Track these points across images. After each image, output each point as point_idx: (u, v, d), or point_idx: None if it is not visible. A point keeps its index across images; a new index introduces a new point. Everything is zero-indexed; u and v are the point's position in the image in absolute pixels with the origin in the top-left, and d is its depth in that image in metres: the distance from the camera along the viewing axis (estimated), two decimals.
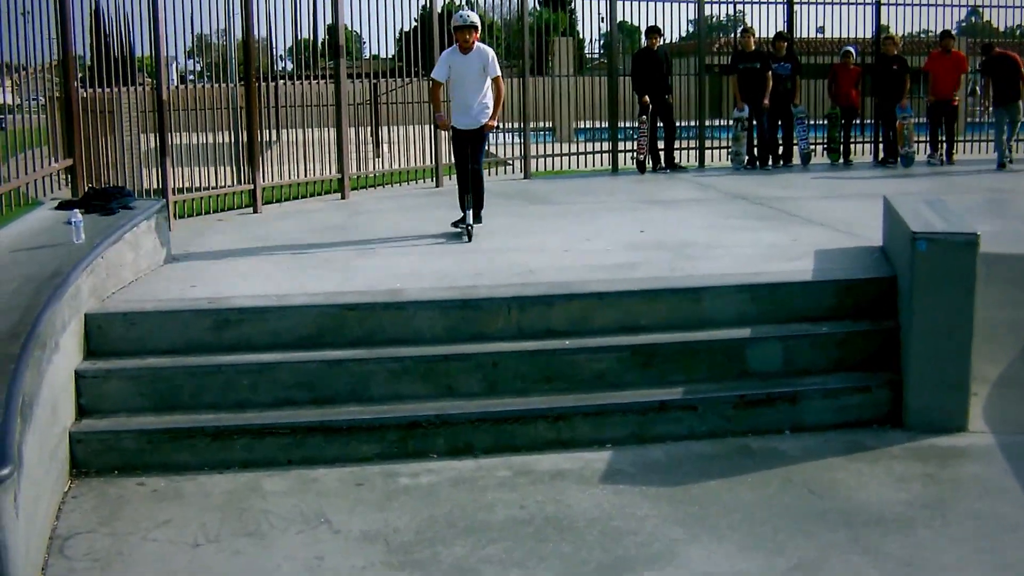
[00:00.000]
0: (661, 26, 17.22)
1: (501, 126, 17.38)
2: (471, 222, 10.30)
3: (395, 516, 5.91)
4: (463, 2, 18.03)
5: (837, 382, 7.35)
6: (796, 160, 17.45)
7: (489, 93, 10.29)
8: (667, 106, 16.86)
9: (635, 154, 17.03)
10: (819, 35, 20.57)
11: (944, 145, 17.53)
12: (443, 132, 15.34)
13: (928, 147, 17.70)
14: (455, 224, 10.52)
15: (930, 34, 19.64)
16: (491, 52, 10.31)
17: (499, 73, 10.30)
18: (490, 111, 10.34)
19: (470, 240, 9.99)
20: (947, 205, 8.58)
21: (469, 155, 10.49)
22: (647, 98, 16.57)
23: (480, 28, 10.28)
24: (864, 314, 7.77)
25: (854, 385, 7.34)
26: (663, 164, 16.99)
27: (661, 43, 16.96)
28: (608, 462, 6.64)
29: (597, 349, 7.31)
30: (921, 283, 7.23)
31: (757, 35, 17.92)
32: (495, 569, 5.29)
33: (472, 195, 10.44)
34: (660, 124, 16.92)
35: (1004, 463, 6.69)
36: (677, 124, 17.39)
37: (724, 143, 18.15)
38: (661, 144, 17.04)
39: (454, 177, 15.46)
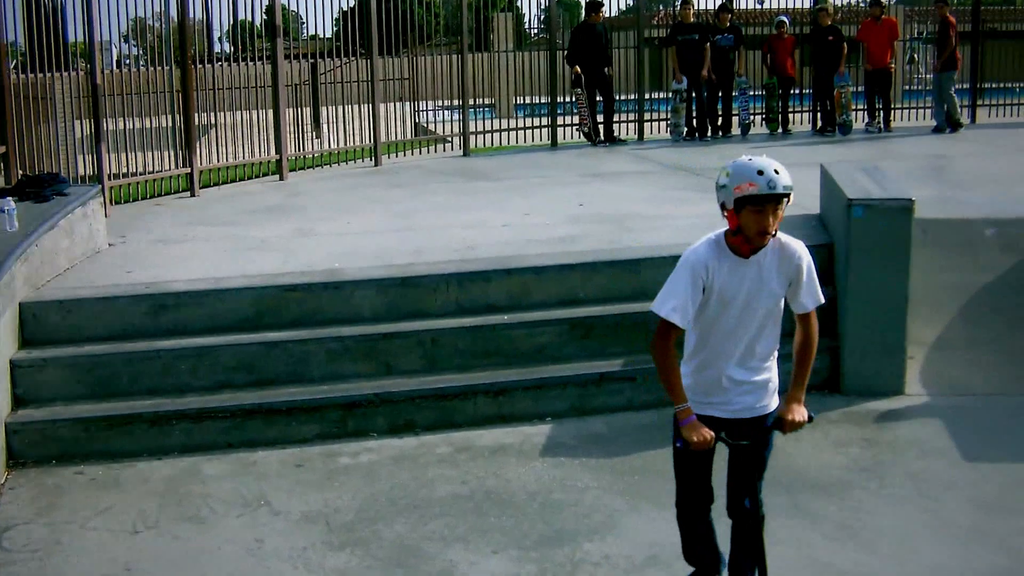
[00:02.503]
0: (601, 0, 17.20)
1: (442, 103, 17.27)
2: None
3: (336, 496, 5.91)
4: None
5: None
6: (735, 131, 17.53)
7: (776, 341, 4.51)
8: (607, 79, 16.87)
9: (580, 127, 17.05)
10: (758, 7, 20.61)
11: (881, 113, 17.68)
12: (385, 113, 15.34)
13: (865, 115, 17.84)
14: None
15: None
16: (806, 252, 4.26)
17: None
18: (775, 380, 4.58)
19: None
20: (883, 172, 8.66)
21: (728, 475, 4.48)
22: (578, 68, 16.56)
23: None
24: None
25: (791, 351, 7.38)
26: (602, 137, 17.00)
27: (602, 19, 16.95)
28: (549, 436, 6.67)
29: (536, 323, 7.34)
30: (857, 249, 7.32)
31: (696, 7, 17.97)
32: (437, 545, 5.31)
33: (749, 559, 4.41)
34: (600, 98, 16.94)
35: (940, 424, 6.81)
36: (616, 97, 17.41)
37: (663, 115, 18.17)
38: (600, 117, 17.06)
39: (395, 157, 15.68)
